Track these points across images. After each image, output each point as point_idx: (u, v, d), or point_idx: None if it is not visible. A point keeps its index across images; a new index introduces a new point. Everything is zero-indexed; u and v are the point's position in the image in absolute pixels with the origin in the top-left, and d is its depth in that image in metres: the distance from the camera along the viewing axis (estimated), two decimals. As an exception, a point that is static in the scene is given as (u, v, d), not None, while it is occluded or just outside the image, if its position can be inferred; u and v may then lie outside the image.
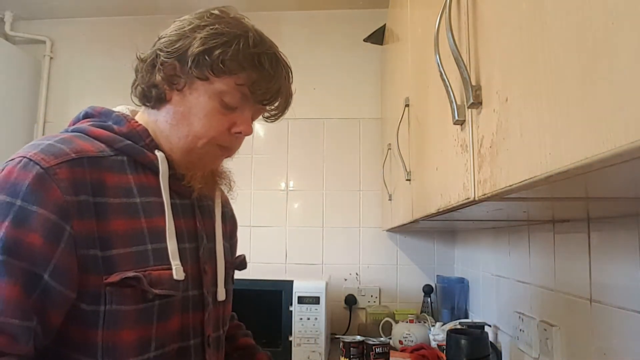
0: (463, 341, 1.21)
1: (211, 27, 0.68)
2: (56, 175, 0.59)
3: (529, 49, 0.41)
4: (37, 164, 0.59)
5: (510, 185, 0.45)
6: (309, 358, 1.60)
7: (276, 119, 0.80)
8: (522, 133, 0.42)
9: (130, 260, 0.63)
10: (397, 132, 1.28)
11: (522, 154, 0.42)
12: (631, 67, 0.26)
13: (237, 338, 0.97)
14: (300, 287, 1.67)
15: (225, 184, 0.83)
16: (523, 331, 1.18)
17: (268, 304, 1.68)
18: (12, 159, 0.61)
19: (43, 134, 2.29)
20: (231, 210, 0.93)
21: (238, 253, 0.92)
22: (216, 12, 0.71)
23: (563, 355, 0.99)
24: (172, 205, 0.71)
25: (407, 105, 1.19)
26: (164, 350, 0.67)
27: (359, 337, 1.44)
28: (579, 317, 0.92)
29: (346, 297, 2.07)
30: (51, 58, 2.35)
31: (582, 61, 0.32)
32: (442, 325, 1.66)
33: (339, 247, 2.13)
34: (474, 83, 0.56)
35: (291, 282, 1.67)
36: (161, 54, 0.70)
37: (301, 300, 1.66)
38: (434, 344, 1.60)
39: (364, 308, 2.07)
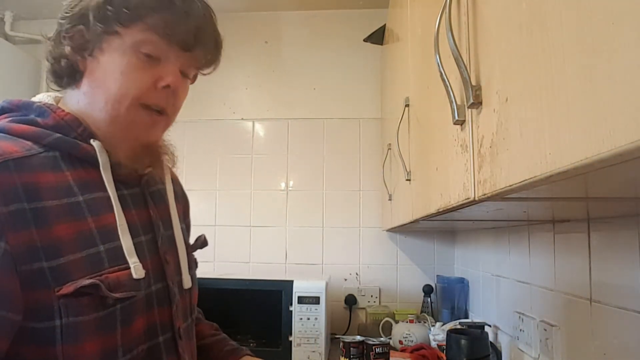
0: (463, 341, 1.21)
1: None
2: None
3: (529, 49, 0.41)
4: None
5: (510, 185, 0.45)
6: (309, 358, 1.60)
7: (211, 69, 0.72)
8: (522, 133, 0.42)
9: (83, 266, 0.57)
10: (397, 132, 1.28)
11: (522, 154, 0.42)
12: (631, 67, 0.26)
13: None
14: (300, 287, 1.67)
15: (169, 159, 0.74)
16: (523, 331, 1.18)
17: (268, 304, 1.68)
18: None
19: (43, 134, 2.28)
20: (182, 189, 0.86)
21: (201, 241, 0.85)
22: None
23: (563, 355, 0.99)
24: (120, 198, 0.64)
25: (407, 105, 1.19)
26: (132, 355, 0.62)
27: (359, 337, 1.44)
28: (579, 317, 0.92)
29: (346, 297, 2.07)
30: (51, 58, 2.35)
31: (582, 61, 0.32)
32: (442, 325, 1.66)
33: (339, 247, 2.13)
34: (474, 83, 0.56)
35: (291, 282, 1.66)
36: (63, 22, 0.63)
37: (301, 300, 1.66)
38: (434, 344, 1.60)
39: (364, 308, 2.07)
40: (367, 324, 1.98)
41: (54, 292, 0.55)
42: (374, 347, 1.35)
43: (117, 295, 0.59)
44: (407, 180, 1.16)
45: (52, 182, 0.58)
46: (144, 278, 0.63)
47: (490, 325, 1.48)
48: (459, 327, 1.46)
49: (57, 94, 0.69)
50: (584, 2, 0.31)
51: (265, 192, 2.19)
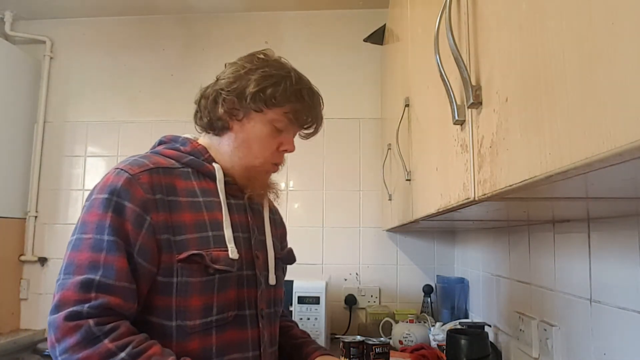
0: (463, 341, 1.21)
1: (261, 70, 0.88)
2: (139, 179, 0.79)
3: (529, 49, 0.41)
4: (126, 172, 0.79)
5: (510, 185, 0.45)
6: (309, 358, 1.60)
7: (310, 137, 1.00)
8: (522, 133, 0.42)
9: (196, 243, 0.80)
10: (397, 132, 1.28)
11: (522, 154, 0.42)
12: (631, 67, 0.26)
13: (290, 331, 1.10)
14: (300, 287, 1.67)
15: (273, 192, 0.99)
16: (523, 331, 1.18)
17: (268, 304, 1.68)
18: (110, 170, 0.81)
19: (43, 134, 2.30)
20: (280, 218, 1.11)
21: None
22: (261, 56, 0.92)
23: (563, 355, 0.99)
24: (228, 204, 0.88)
25: (407, 105, 1.19)
26: (224, 315, 0.82)
27: (359, 337, 1.44)
28: (579, 317, 0.92)
29: (346, 297, 2.07)
30: (51, 58, 2.35)
31: (582, 61, 0.32)
32: (442, 325, 1.66)
33: (339, 247, 2.13)
34: (474, 83, 0.56)
35: (291, 282, 1.66)
36: (222, 92, 0.89)
37: (301, 300, 1.66)
38: (434, 344, 1.60)
39: (364, 308, 2.07)
40: (367, 324, 1.98)
41: (175, 256, 0.78)
42: (374, 347, 1.35)
43: (217, 266, 0.80)
44: (407, 180, 1.16)
45: (184, 186, 0.84)
46: (237, 259, 0.84)
47: (490, 325, 1.48)
48: (459, 327, 1.46)
49: (196, 135, 0.96)
50: (584, 1, 0.31)
51: (265, 192, 2.18)
